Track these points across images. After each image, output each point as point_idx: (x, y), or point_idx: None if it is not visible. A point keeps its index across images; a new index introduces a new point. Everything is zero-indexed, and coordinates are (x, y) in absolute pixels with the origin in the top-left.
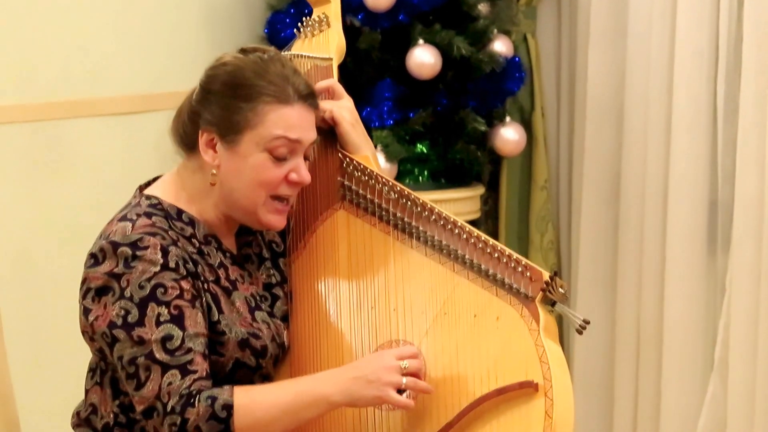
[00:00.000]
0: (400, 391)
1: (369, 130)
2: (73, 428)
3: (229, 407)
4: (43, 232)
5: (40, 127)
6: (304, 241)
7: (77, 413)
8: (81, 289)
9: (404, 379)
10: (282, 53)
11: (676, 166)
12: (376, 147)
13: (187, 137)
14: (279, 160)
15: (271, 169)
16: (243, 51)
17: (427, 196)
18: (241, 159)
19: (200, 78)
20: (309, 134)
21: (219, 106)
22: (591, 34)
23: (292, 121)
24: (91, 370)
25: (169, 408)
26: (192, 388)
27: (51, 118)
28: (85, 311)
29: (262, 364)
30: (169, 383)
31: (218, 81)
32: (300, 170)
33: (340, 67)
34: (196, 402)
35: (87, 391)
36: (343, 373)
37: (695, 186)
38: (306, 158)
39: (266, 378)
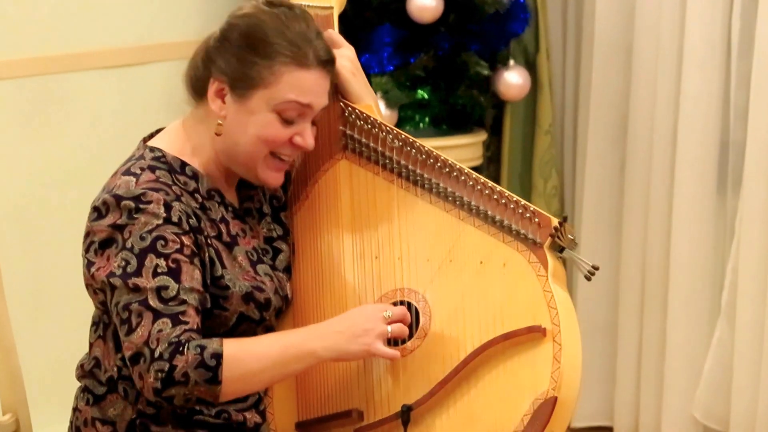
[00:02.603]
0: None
1: (368, 76)
2: (78, 380)
3: (218, 356)
4: (41, 183)
5: (36, 81)
6: (306, 192)
7: (81, 366)
8: (84, 242)
9: (389, 327)
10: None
11: (687, 106)
12: (375, 93)
13: (198, 82)
14: (286, 122)
15: (276, 128)
16: (269, 4)
17: (429, 143)
18: (248, 114)
19: (221, 25)
20: (321, 100)
21: (235, 58)
22: None
23: (306, 86)
24: (95, 324)
25: (156, 354)
26: (182, 337)
27: (46, 72)
28: (89, 264)
29: (266, 316)
30: (159, 330)
31: (237, 31)
32: (305, 135)
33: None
34: (185, 350)
35: (91, 345)
36: (329, 327)
37: (706, 125)
38: (315, 123)
39: (269, 330)
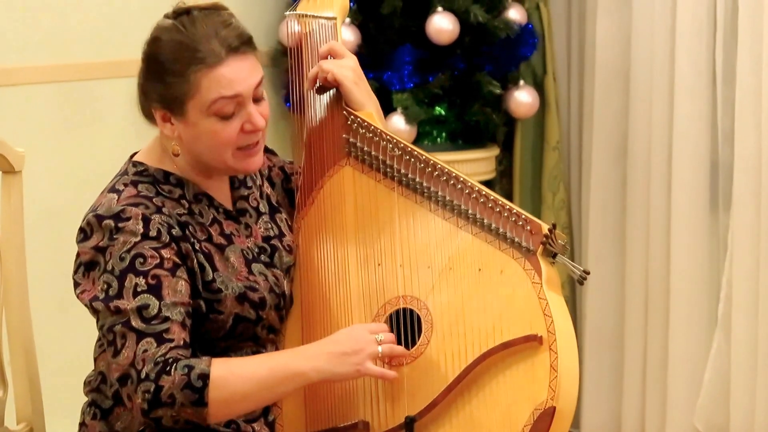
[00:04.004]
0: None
1: (389, 93)
2: (86, 395)
3: (205, 377)
4: (75, 191)
5: (72, 87)
6: (312, 197)
7: (88, 382)
8: (75, 262)
9: (380, 348)
10: (286, 13)
11: (679, 128)
12: (396, 110)
13: (147, 112)
14: (227, 118)
15: (223, 129)
16: (173, 14)
17: (445, 157)
18: (193, 127)
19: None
20: (248, 82)
21: (158, 84)
22: (599, 4)
23: (227, 79)
24: (99, 339)
25: (143, 375)
26: (168, 356)
27: (86, 78)
28: (75, 285)
29: (263, 315)
30: (144, 350)
31: (150, 58)
32: (252, 119)
33: (363, 31)
34: (172, 370)
35: (96, 360)
36: (319, 348)
37: (697, 146)
38: (259, 99)
39: (270, 329)
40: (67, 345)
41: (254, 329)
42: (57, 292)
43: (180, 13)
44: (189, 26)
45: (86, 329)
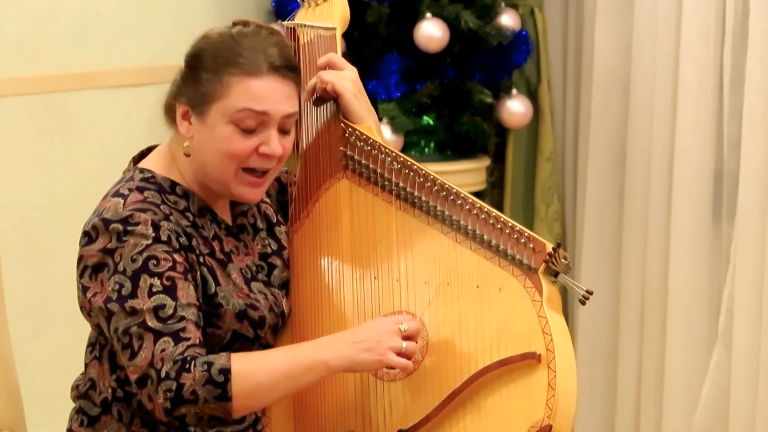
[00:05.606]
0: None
1: (375, 102)
2: (73, 400)
3: (226, 371)
4: (48, 200)
5: (47, 99)
6: (307, 211)
7: (77, 386)
8: (78, 267)
9: (404, 343)
10: (284, 23)
11: (682, 137)
12: (382, 119)
13: (170, 110)
14: (247, 132)
15: (238, 141)
16: (233, 24)
17: (433, 168)
18: (209, 130)
19: None
20: (280, 106)
21: (190, 79)
22: (598, 7)
23: (259, 93)
24: (90, 345)
25: (163, 374)
26: (186, 354)
27: (58, 90)
28: (84, 289)
29: (261, 334)
30: (162, 350)
31: (193, 53)
32: (270, 142)
33: (348, 40)
34: (192, 367)
35: (86, 366)
36: (342, 339)
37: (701, 156)
38: (286, 132)
39: (265, 347)
40: (46, 353)
41: (251, 347)
42: (32, 304)
43: (238, 23)
44: (241, 35)
45: (64, 337)
